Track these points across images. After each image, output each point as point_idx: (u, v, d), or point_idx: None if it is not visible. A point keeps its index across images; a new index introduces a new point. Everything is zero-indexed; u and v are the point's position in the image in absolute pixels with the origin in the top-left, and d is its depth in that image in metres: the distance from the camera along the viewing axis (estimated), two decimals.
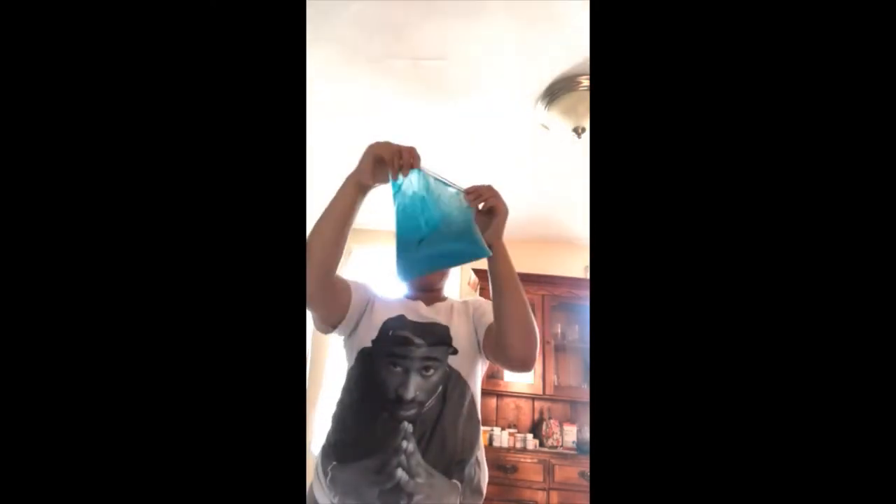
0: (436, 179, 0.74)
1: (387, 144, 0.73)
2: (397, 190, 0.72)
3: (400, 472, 0.71)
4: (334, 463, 0.75)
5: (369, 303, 0.88)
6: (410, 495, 0.71)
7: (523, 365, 0.79)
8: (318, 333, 2.68)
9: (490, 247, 0.74)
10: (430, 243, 0.71)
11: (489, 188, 0.75)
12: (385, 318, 0.84)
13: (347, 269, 3.10)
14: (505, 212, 0.76)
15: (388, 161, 0.72)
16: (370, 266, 3.09)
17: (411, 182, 0.72)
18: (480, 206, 0.75)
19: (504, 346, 0.77)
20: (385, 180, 0.75)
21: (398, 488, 0.71)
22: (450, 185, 0.75)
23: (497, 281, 0.77)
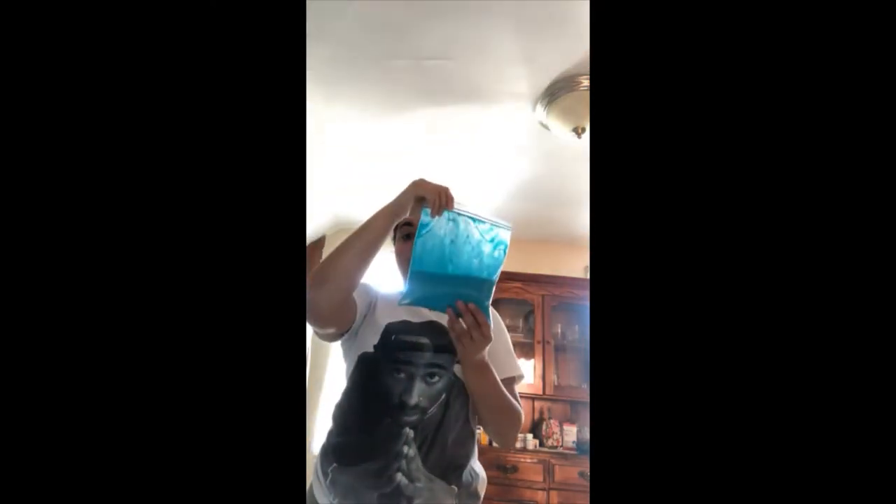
0: (469, 218, 0.75)
1: (429, 185, 0.77)
2: (426, 229, 0.74)
3: (399, 477, 0.71)
4: (334, 465, 0.75)
5: (371, 305, 0.87)
6: (410, 499, 0.71)
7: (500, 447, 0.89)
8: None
9: (469, 365, 0.76)
10: (450, 285, 0.73)
11: (475, 318, 0.72)
12: (387, 321, 0.83)
13: None
14: (481, 344, 0.73)
15: (430, 202, 0.74)
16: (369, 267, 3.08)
17: (441, 224, 0.74)
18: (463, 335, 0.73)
19: (484, 429, 0.86)
20: (417, 217, 0.77)
21: (398, 491, 0.71)
22: (483, 221, 0.75)
23: (474, 397, 0.81)
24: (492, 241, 0.74)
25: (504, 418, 0.81)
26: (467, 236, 0.74)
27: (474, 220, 0.75)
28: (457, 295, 0.72)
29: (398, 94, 1.80)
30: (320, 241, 3.22)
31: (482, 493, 0.81)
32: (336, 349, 0.90)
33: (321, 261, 0.78)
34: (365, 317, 0.85)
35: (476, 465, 0.82)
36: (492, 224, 0.75)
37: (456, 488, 0.75)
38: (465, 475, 0.77)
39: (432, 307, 0.76)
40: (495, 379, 0.78)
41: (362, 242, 0.76)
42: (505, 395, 0.80)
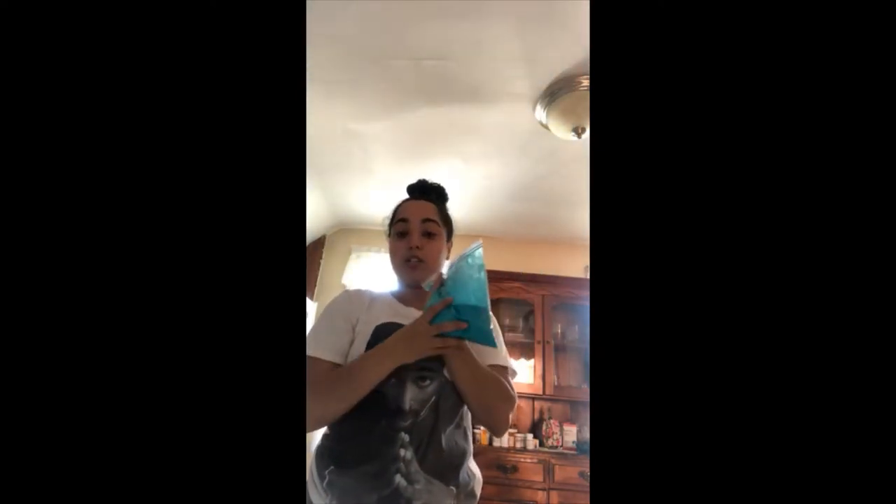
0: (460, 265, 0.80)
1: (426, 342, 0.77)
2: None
3: (398, 479, 0.72)
4: (332, 467, 0.75)
5: (354, 326, 0.86)
6: (409, 500, 0.71)
7: (494, 433, 0.87)
8: None
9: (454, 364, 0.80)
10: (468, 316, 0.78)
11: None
12: (373, 329, 0.83)
13: (346, 272, 3.10)
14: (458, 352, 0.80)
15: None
16: (369, 267, 3.09)
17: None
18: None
19: (476, 417, 0.85)
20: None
21: (397, 493, 0.71)
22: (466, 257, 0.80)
23: (461, 380, 0.81)
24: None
25: (491, 391, 0.82)
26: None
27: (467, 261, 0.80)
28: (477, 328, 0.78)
29: (398, 94, 1.80)
30: (320, 241, 3.22)
31: (479, 493, 0.82)
32: None
33: (326, 379, 0.78)
34: (356, 333, 0.84)
35: (472, 465, 0.82)
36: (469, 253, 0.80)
37: (454, 489, 0.76)
38: (462, 475, 0.78)
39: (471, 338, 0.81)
40: (474, 358, 0.83)
41: (359, 389, 0.76)
42: (487, 371, 0.83)
